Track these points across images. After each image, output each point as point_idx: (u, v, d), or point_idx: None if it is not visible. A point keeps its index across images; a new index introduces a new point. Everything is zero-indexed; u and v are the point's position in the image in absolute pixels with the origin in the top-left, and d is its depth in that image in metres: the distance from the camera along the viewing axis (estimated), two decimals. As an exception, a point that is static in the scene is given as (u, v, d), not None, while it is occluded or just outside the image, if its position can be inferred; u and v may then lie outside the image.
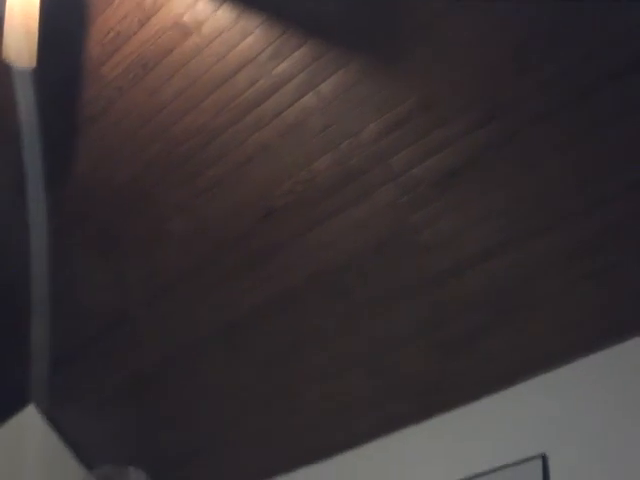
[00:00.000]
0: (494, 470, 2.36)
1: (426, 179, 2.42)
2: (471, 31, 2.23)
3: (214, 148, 2.70)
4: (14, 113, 2.97)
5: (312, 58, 2.45)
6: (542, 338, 2.43)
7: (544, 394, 2.40)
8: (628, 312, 2.31)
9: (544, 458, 2.27)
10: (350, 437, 2.84)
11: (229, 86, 2.61)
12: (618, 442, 2.17)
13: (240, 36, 2.52)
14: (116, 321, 3.13)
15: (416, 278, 2.53)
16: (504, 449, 2.39)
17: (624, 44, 2.08)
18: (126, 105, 2.78)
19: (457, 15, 2.23)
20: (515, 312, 2.44)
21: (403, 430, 2.70)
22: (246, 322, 2.87)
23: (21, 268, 3.29)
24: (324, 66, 2.45)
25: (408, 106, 2.38)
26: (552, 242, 2.33)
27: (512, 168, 2.32)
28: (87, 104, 2.85)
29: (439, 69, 2.31)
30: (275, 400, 2.94)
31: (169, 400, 3.22)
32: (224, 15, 2.51)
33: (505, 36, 2.20)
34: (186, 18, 2.56)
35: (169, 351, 3.07)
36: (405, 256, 2.53)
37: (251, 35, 2.50)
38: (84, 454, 3.52)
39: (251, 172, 2.66)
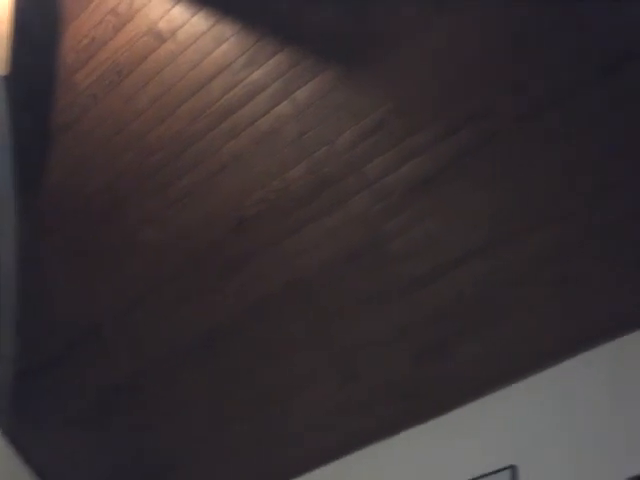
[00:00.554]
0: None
1: (400, 187, 2.40)
2: (445, 36, 2.23)
3: (188, 156, 2.67)
4: (-14, 121, 2.93)
5: (287, 66, 2.45)
6: (514, 346, 2.40)
7: (514, 404, 2.36)
8: (600, 319, 2.28)
9: (513, 469, 2.24)
10: (324, 450, 2.77)
11: (204, 93, 2.59)
12: (588, 453, 2.13)
13: (215, 43, 2.51)
14: (86, 333, 3.06)
15: (390, 285, 2.50)
16: (473, 460, 2.34)
17: (604, 45, 2.09)
18: (100, 113, 2.76)
19: (430, 22, 2.24)
20: (486, 320, 2.40)
21: (373, 444, 2.64)
22: (220, 332, 2.81)
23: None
24: (299, 74, 2.44)
25: (382, 113, 2.37)
26: (524, 249, 2.31)
27: (486, 175, 2.31)
28: (61, 112, 2.83)
29: (413, 75, 2.31)
30: (253, 410, 2.86)
31: (145, 414, 3.13)
32: (199, 22, 2.51)
33: (479, 39, 2.21)
34: (161, 25, 2.56)
35: (142, 363, 2.99)
36: (379, 264, 2.50)
37: (226, 42, 2.50)
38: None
39: (225, 181, 2.63)
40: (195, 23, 2.52)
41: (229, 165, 2.62)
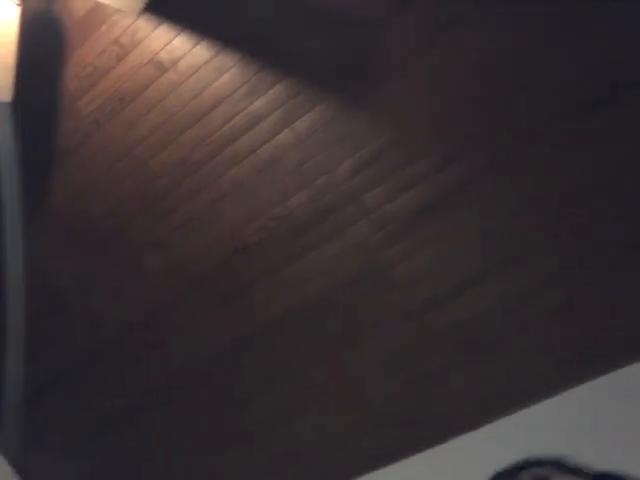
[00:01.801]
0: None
1: (399, 215, 2.43)
2: (440, 68, 2.26)
3: (190, 184, 2.70)
4: (-9, 145, 2.97)
5: (287, 96, 2.47)
6: (514, 373, 2.42)
7: (515, 432, 2.38)
8: (601, 345, 2.30)
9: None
10: (324, 475, 2.80)
11: (205, 122, 2.62)
12: None
13: (216, 73, 2.54)
14: (86, 358, 3.09)
15: (389, 313, 2.53)
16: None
17: (594, 74, 2.12)
18: (102, 139, 2.79)
19: (429, 54, 2.27)
20: (487, 347, 2.43)
21: (373, 470, 2.66)
22: (219, 358, 2.84)
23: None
24: (299, 104, 2.47)
25: (382, 143, 2.40)
26: (524, 275, 2.34)
27: (484, 203, 2.34)
28: (64, 138, 2.85)
29: (412, 106, 2.34)
30: (251, 437, 2.89)
31: (147, 437, 3.16)
32: (200, 52, 2.54)
33: (475, 69, 2.24)
34: (163, 54, 2.58)
35: (141, 388, 3.02)
36: (378, 292, 2.53)
37: (227, 73, 2.52)
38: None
39: (226, 208, 2.66)
40: (196, 53, 2.54)
41: (231, 192, 2.65)
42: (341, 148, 2.47)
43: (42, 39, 2.73)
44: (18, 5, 2.25)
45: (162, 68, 2.60)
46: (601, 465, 2.11)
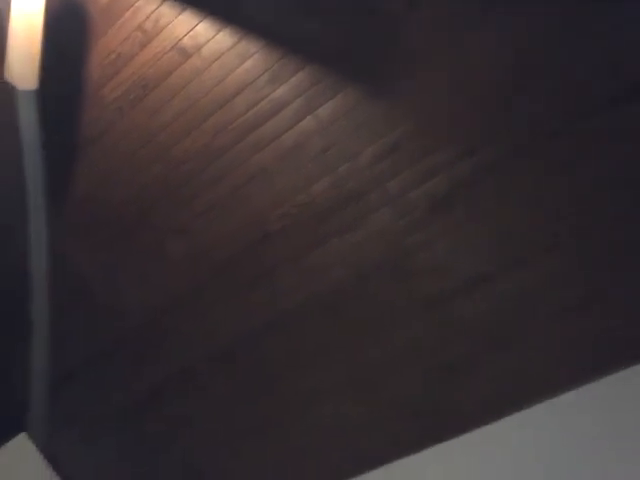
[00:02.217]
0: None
1: (422, 203, 2.41)
2: (463, 55, 2.24)
3: (213, 170, 2.71)
4: (16, 133, 3.00)
5: (310, 83, 2.46)
6: (529, 368, 2.39)
7: (528, 428, 2.35)
8: (617, 345, 2.27)
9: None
10: (340, 467, 2.80)
11: (228, 109, 2.62)
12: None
13: (239, 60, 2.54)
14: (111, 345, 3.13)
15: (411, 302, 2.51)
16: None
17: (609, 77, 2.09)
18: (126, 126, 2.80)
19: (450, 46, 2.25)
20: (503, 341, 2.41)
21: (389, 463, 2.65)
22: (242, 346, 2.85)
23: (21, 287, 3.31)
24: (322, 91, 2.46)
25: (405, 130, 2.38)
26: (550, 266, 2.31)
27: (509, 193, 2.31)
28: (87, 125, 2.88)
29: (436, 93, 2.31)
30: (269, 426, 2.91)
31: (168, 425, 3.19)
32: (224, 39, 2.54)
33: (500, 58, 2.21)
34: (186, 41, 2.59)
35: (166, 375, 3.05)
36: (401, 279, 2.51)
37: (250, 59, 2.52)
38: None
39: (249, 195, 2.67)
40: (220, 40, 2.54)
41: (254, 179, 2.65)
42: (364, 135, 2.45)
43: (66, 27, 2.75)
44: (44, -6, 2.27)
45: (185, 54, 2.60)
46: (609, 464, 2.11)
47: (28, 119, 2.98)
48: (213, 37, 2.55)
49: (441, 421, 2.56)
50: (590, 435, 2.26)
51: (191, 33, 2.58)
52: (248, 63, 2.53)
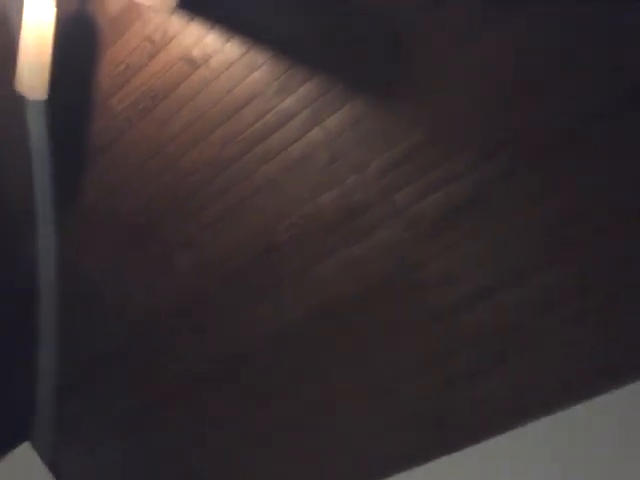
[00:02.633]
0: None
1: (429, 215, 2.40)
2: (473, 66, 2.24)
3: (220, 181, 2.71)
4: (26, 142, 3.01)
5: (318, 94, 2.46)
6: (543, 377, 2.38)
7: (544, 436, 2.34)
8: (625, 355, 2.25)
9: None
10: (356, 474, 2.79)
11: (236, 120, 2.62)
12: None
13: (247, 70, 2.54)
14: (116, 353, 3.13)
15: (418, 313, 2.50)
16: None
17: (618, 82, 2.08)
18: (135, 137, 2.81)
19: (459, 54, 2.24)
20: (516, 349, 2.39)
21: (403, 471, 2.64)
22: (248, 355, 2.85)
23: (29, 295, 3.32)
24: (330, 101, 2.46)
25: (412, 142, 2.37)
26: (549, 280, 2.29)
27: (516, 204, 2.30)
28: (96, 135, 2.88)
29: (442, 106, 2.31)
30: (275, 434, 2.90)
31: (171, 433, 3.19)
32: (232, 50, 2.54)
33: (510, 68, 2.21)
34: (195, 52, 2.59)
35: (171, 383, 3.05)
36: (408, 291, 2.50)
37: (258, 70, 2.52)
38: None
39: (256, 206, 2.66)
40: (228, 51, 2.55)
41: (261, 190, 2.65)
42: (371, 147, 2.45)
43: (76, 38, 2.76)
44: (54, 6, 2.28)
45: (194, 65, 2.61)
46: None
47: (38, 129, 2.99)
48: (221, 48, 2.55)
49: (451, 430, 2.54)
50: (591, 448, 2.25)
51: (199, 44, 2.58)
52: (256, 74, 2.53)
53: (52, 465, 3.40)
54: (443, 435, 2.54)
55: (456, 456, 2.51)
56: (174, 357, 3.01)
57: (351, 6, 2.35)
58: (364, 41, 2.35)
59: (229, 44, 2.55)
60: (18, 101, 2.80)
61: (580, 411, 2.29)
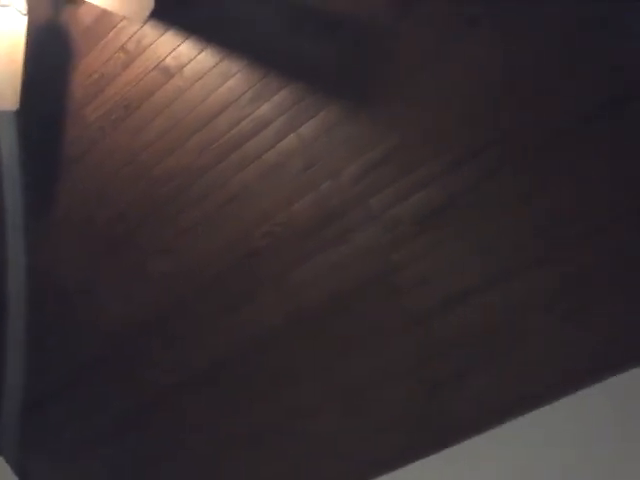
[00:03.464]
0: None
1: (406, 218, 2.44)
2: (449, 69, 2.29)
3: (196, 189, 2.72)
4: (-4, 153, 2.99)
5: (292, 101, 2.49)
6: (527, 377, 2.41)
7: (528, 435, 2.37)
8: (616, 349, 2.30)
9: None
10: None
11: (211, 128, 2.64)
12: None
13: (222, 79, 2.56)
14: (90, 364, 3.11)
15: (397, 317, 2.53)
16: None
17: (602, 85, 2.14)
18: (109, 146, 2.81)
19: (433, 60, 2.29)
20: (500, 350, 2.43)
21: (387, 474, 2.66)
22: (227, 362, 2.85)
23: None
24: (305, 109, 2.49)
25: (387, 147, 2.41)
26: (535, 280, 2.34)
27: (492, 206, 2.34)
28: (70, 145, 2.88)
29: (416, 110, 2.35)
30: (256, 440, 2.90)
31: (151, 442, 3.17)
32: (206, 59, 2.56)
33: (485, 71, 2.26)
34: (169, 61, 2.61)
35: (148, 393, 3.04)
36: (386, 295, 2.53)
37: (232, 78, 2.55)
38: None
39: (232, 213, 2.68)
40: (202, 60, 2.57)
41: (237, 197, 2.67)
42: (346, 153, 2.48)
43: (49, 47, 2.75)
44: (24, 15, 2.27)
45: (168, 74, 2.62)
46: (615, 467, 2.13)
47: (9, 139, 2.97)
48: (195, 57, 2.57)
49: (432, 433, 2.57)
50: (577, 445, 2.29)
51: (173, 53, 2.60)
52: (230, 82, 2.56)
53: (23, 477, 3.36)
54: (432, 436, 2.56)
55: (445, 456, 2.53)
56: (152, 364, 3.00)
57: (324, 14, 2.38)
58: (338, 48, 2.39)
59: (203, 53, 2.57)
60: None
61: (568, 408, 2.33)
